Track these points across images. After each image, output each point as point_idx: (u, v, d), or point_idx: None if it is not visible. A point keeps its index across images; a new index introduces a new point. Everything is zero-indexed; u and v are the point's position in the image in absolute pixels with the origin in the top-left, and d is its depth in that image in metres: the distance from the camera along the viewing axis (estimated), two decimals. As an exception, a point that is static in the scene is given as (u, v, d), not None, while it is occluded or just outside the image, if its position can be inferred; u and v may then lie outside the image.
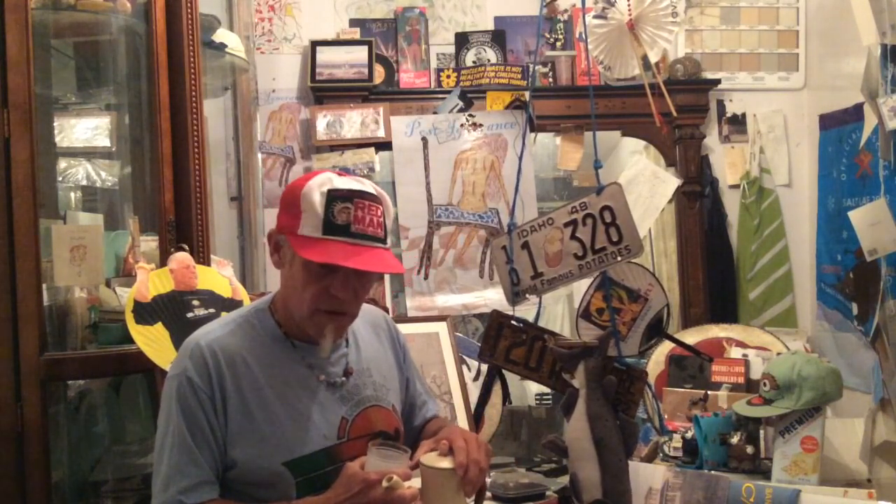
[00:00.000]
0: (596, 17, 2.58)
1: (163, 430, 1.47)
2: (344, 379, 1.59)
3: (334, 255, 1.43)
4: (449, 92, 3.37)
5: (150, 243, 2.39)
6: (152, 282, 2.11)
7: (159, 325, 2.04)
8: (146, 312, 2.05)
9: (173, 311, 2.09)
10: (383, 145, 3.35)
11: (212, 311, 2.15)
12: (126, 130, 2.67)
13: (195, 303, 2.13)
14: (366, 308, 1.73)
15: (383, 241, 1.51)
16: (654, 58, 2.65)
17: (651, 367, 2.75)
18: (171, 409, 1.46)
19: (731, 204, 3.55)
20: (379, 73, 3.39)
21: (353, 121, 3.32)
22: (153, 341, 2.01)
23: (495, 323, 2.01)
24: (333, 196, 1.46)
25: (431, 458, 1.46)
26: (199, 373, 1.46)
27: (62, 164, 2.69)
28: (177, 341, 2.04)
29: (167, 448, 1.45)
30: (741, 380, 2.50)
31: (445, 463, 1.44)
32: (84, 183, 2.74)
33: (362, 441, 1.54)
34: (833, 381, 2.02)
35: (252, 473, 1.47)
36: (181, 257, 2.20)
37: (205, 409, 1.45)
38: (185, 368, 1.47)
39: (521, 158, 2.21)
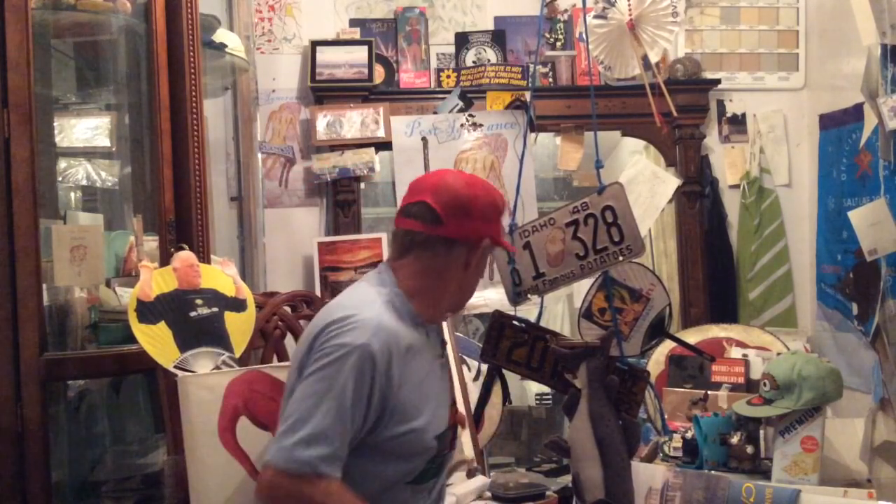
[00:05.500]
0: (596, 17, 2.58)
1: (323, 385, 1.49)
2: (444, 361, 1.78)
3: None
4: (449, 92, 3.37)
5: (150, 243, 2.39)
6: (155, 281, 2.11)
7: (162, 325, 2.04)
8: (149, 311, 2.05)
9: (176, 311, 2.08)
10: (383, 145, 3.35)
11: (215, 310, 2.14)
12: (126, 130, 2.67)
13: (198, 302, 2.13)
14: None
15: None
16: (654, 58, 2.65)
17: (651, 366, 2.75)
18: (343, 372, 1.49)
19: (731, 204, 3.55)
20: (379, 73, 3.39)
21: (353, 121, 3.32)
22: (156, 340, 2.01)
23: (497, 323, 2.01)
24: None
25: None
26: (382, 351, 1.52)
27: (62, 164, 2.69)
28: (180, 341, 2.03)
29: (324, 405, 1.47)
30: (741, 380, 2.50)
31: None
32: (84, 183, 2.74)
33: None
34: (833, 381, 2.03)
35: (409, 444, 1.57)
36: (185, 256, 2.19)
37: (373, 389, 1.51)
38: (370, 343, 1.51)
39: (521, 159, 2.21)
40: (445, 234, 1.62)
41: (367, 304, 1.59)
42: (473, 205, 1.63)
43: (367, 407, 1.51)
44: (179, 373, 1.96)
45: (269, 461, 1.46)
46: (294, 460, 1.44)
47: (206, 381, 1.94)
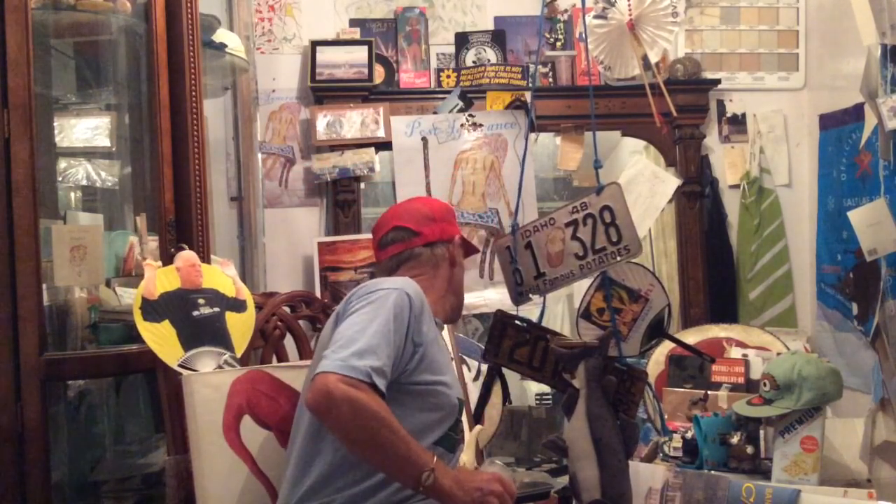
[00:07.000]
0: (596, 17, 2.58)
1: (368, 316, 1.62)
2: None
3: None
4: (449, 92, 3.37)
5: (150, 243, 2.40)
6: (159, 279, 2.11)
7: (166, 323, 2.04)
8: (153, 310, 2.05)
9: (180, 310, 2.08)
10: (383, 145, 3.35)
11: (216, 310, 2.15)
12: (126, 130, 2.67)
13: (201, 301, 2.13)
14: None
15: None
16: (654, 58, 2.65)
17: (651, 367, 2.75)
18: (385, 306, 1.63)
19: (731, 204, 3.55)
20: (379, 73, 3.39)
21: (353, 121, 3.32)
22: (161, 339, 2.01)
23: (499, 323, 2.01)
24: None
25: None
26: (415, 298, 1.69)
27: (62, 164, 2.69)
28: (184, 339, 2.04)
29: (372, 327, 1.60)
30: (741, 380, 2.51)
31: None
32: (84, 183, 2.74)
33: None
34: (833, 381, 2.03)
35: (438, 395, 1.71)
36: (187, 255, 2.19)
37: (409, 326, 1.65)
38: (405, 289, 1.68)
39: (523, 160, 2.21)
40: (425, 241, 1.87)
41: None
42: (433, 212, 1.92)
43: (404, 339, 1.64)
44: (184, 371, 1.97)
45: (325, 370, 1.53)
46: (350, 367, 1.52)
47: (210, 379, 1.95)
